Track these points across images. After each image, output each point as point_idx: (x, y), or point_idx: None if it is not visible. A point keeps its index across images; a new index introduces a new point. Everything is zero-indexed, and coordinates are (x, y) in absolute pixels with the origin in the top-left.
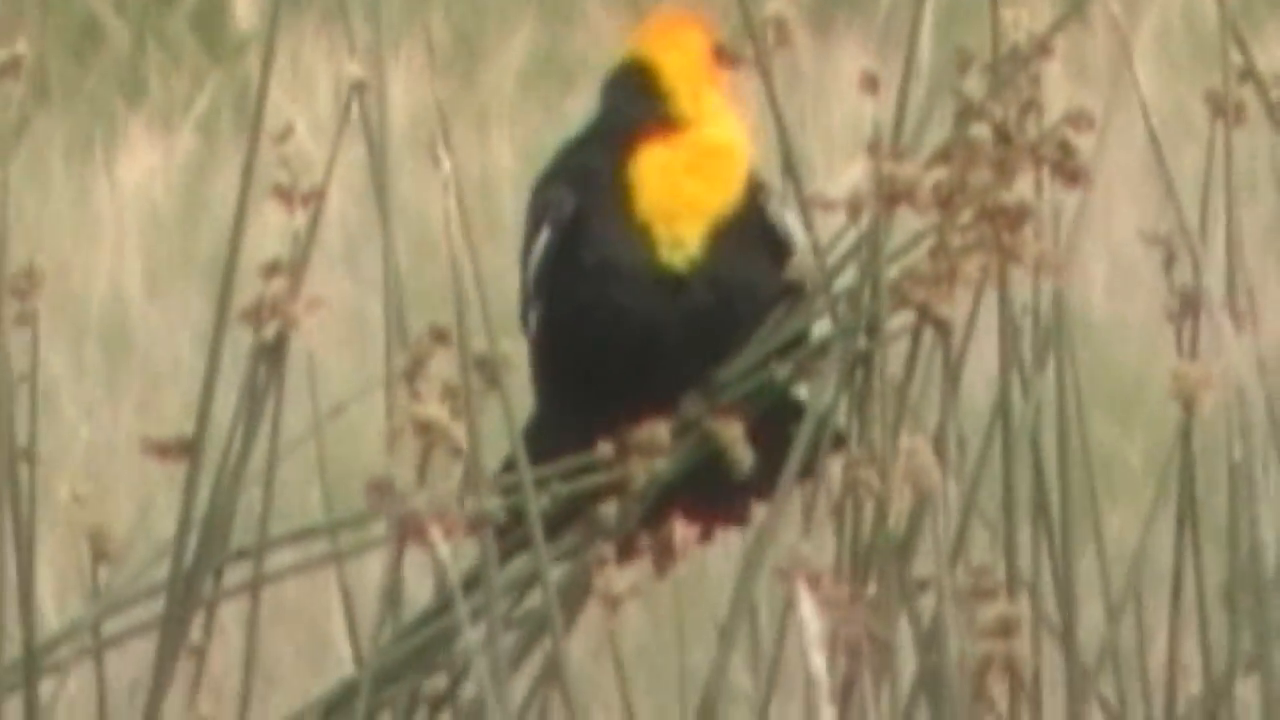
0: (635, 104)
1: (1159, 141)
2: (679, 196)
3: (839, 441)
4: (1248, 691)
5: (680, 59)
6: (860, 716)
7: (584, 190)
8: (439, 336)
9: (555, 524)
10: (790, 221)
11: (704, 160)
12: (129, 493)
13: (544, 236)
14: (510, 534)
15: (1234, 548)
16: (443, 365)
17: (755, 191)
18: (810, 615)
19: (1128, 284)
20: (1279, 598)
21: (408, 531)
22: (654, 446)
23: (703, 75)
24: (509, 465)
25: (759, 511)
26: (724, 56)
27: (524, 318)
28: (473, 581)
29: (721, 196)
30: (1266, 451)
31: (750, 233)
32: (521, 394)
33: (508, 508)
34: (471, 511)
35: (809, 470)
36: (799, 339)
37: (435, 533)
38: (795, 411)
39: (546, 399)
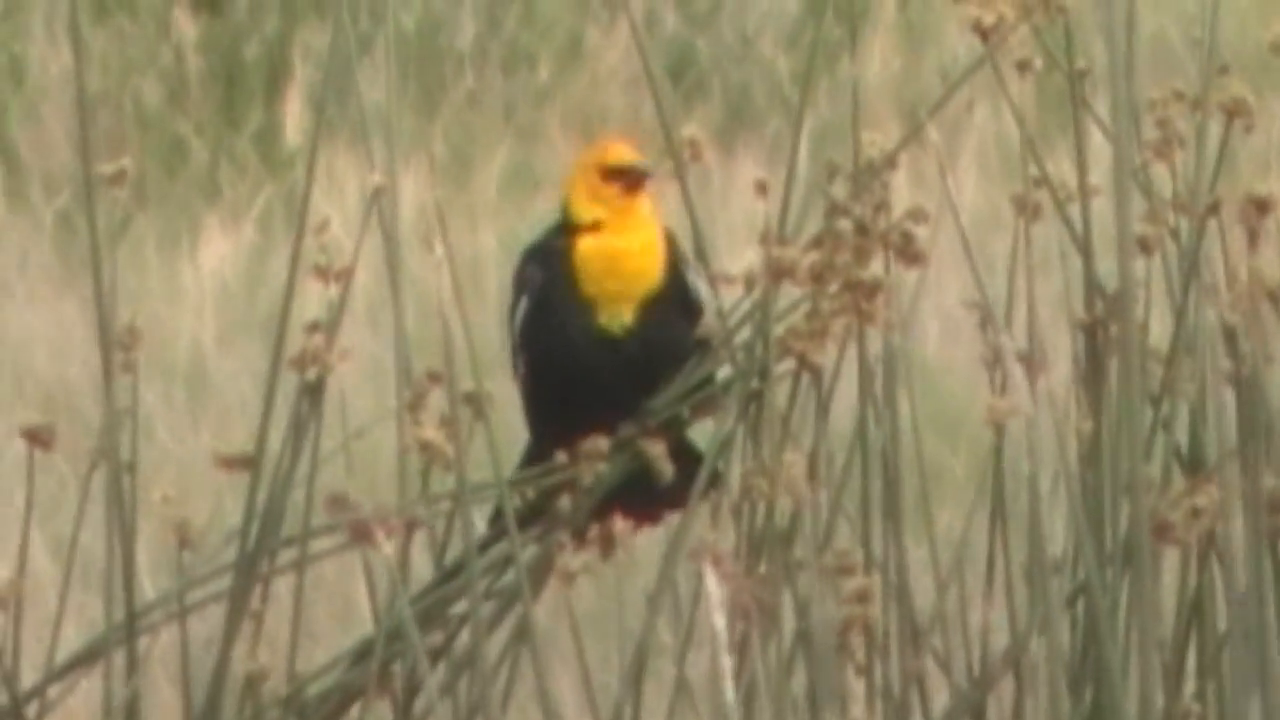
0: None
1: (976, 231)
2: (607, 283)
3: (715, 480)
4: (1040, 646)
5: (584, 182)
6: (751, 664)
7: (548, 272)
8: (434, 378)
9: (527, 518)
10: (701, 287)
11: (615, 255)
12: (205, 496)
13: (523, 304)
14: (525, 524)
15: (1030, 537)
16: (442, 401)
17: (677, 265)
18: (714, 587)
19: (953, 338)
20: (1057, 576)
21: (359, 534)
22: (595, 454)
23: (592, 189)
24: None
25: (678, 509)
26: (620, 174)
27: (514, 364)
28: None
29: (641, 280)
30: (1045, 463)
31: (670, 301)
32: (501, 422)
33: (495, 510)
34: (408, 517)
35: (714, 481)
36: (707, 380)
37: (379, 535)
38: (694, 451)
39: (533, 425)
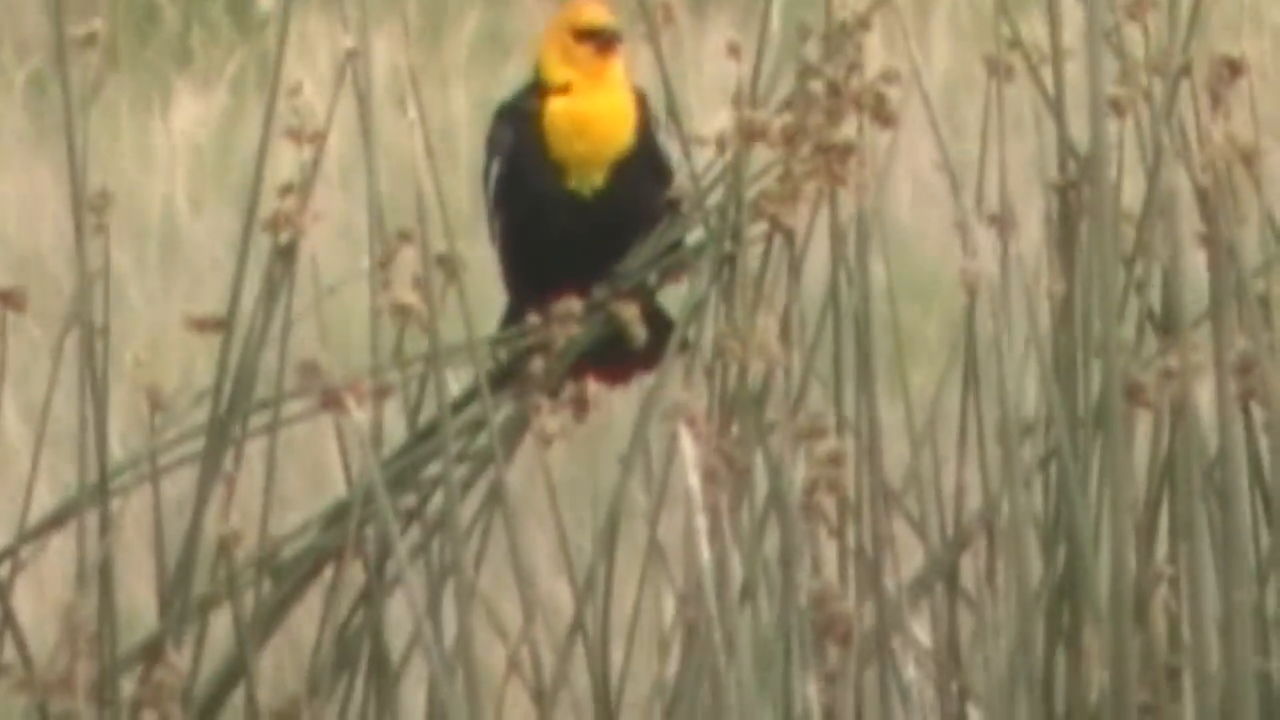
0: (535, 80)
1: (949, 93)
2: (576, 146)
3: (686, 343)
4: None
5: (556, 43)
6: (724, 526)
7: (518, 133)
8: (404, 236)
9: (500, 379)
10: (673, 150)
11: (585, 118)
12: (178, 358)
13: (495, 166)
14: (500, 386)
15: (1001, 400)
16: (415, 264)
17: (649, 127)
18: (689, 448)
19: (926, 201)
20: (1030, 438)
21: (329, 400)
22: (568, 316)
23: (565, 52)
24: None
25: (651, 370)
26: (592, 35)
27: (489, 226)
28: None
29: (611, 143)
30: (1017, 326)
31: (641, 164)
32: (475, 284)
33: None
34: (376, 384)
35: (685, 344)
36: (679, 243)
37: (349, 401)
38: (665, 316)
39: (510, 286)
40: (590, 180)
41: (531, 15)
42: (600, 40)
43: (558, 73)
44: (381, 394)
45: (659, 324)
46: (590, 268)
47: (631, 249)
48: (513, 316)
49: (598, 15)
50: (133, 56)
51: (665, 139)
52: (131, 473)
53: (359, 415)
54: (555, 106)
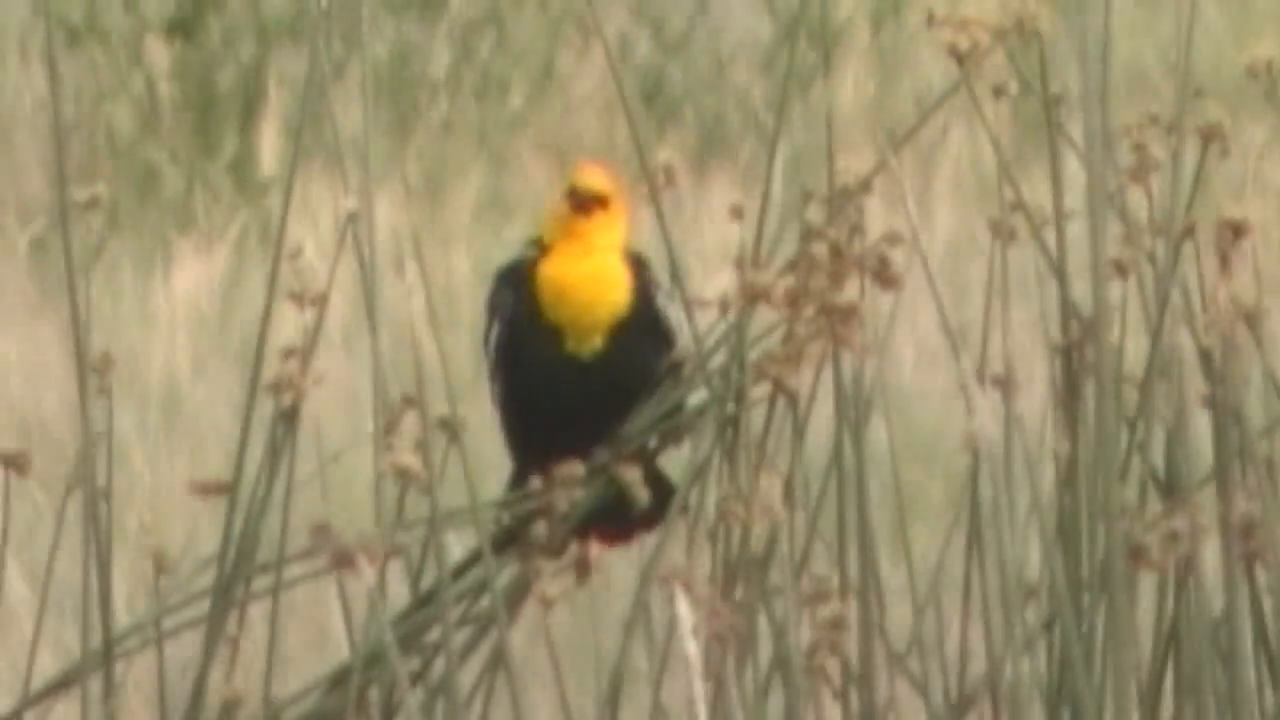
0: (531, 245)
1: (952, 256)
2: (565, 310)
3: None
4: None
5: (553, 203)
6: (728, 690)
7: (517, 296)
8: (408, 401)
9: (503, 542)
10: (673, 312)
11: (580, 282)
12: (181, 522)
13: (495, 329)
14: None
15: (1004, 563)
16: (417, 427)
17: (648, 289)
18: (686, 612)
19: (930, 363)
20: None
21: (341, 561)
22: (570, 480)
23: (559, 213)
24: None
25: (651, 531)
26: (572, 196)
27: (491, 388)
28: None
29: (601, 307)
30: (1020, 488)
31: (640, 327)
32: (477, 447)
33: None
34: (390, 544)
35: (684, 507)
36: (680, 406)
37: (362, 562)
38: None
39: (512, 450)
40: (588, 343)
41: (533, 178)
42: (576, 201)
43: (549, 232)
44: (394, 555)
45: (660, 486)
46: (591, 430)
47: (633, 411)
48: (517, 480)
49: (586, 177)
50: (135, 218)
51: (666, 302)
52: (136, 637)
53: (370, 577)
54: (545, 270)
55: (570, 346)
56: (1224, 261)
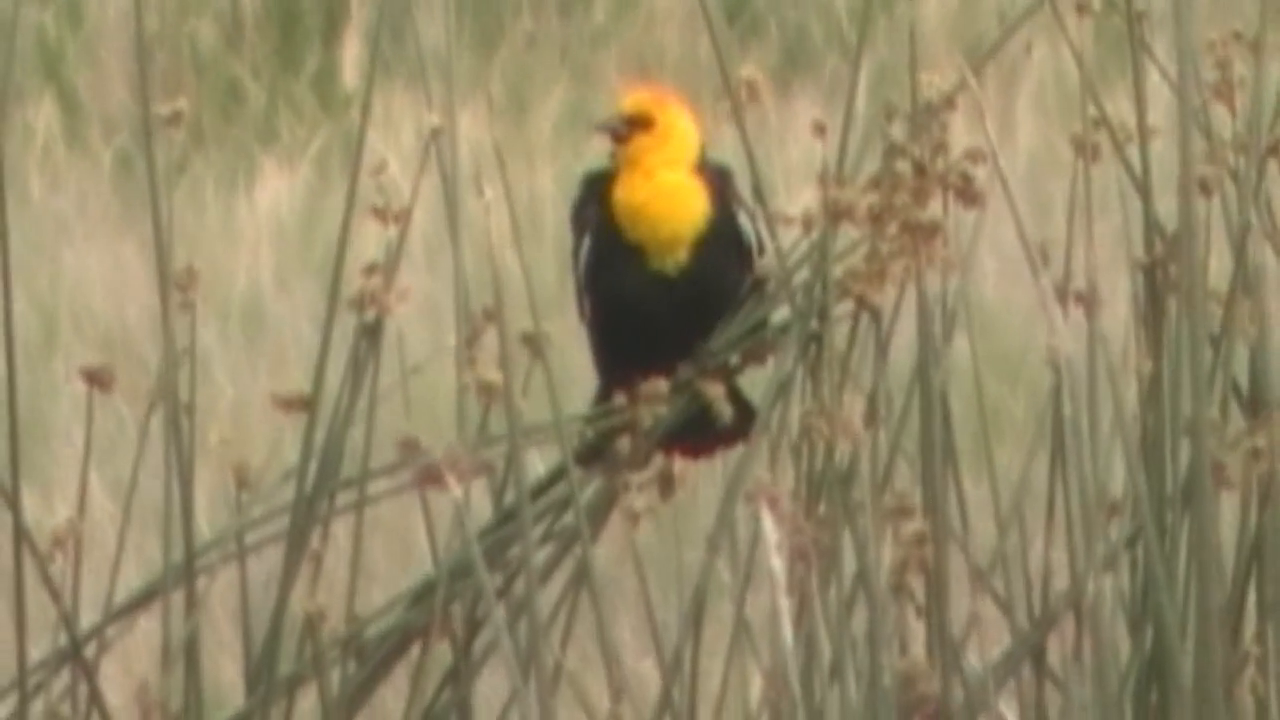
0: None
1: (1035, 172)
2: (642, 229)
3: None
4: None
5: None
6: (811, 606)
7: (598, 215)
8: (489, 316)
9: (588, 457)
10: (755, 229)
11: (661, 199)
12: (263, 436)
13: (586, 244)
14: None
15: (1088, 479)
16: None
17: (729, 205)
18: (771, 529)
19: (1012, 279)
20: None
21: (429, 478)
22: (655, 397)
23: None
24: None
25: (734, 446)
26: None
27: (580, 305)
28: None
29: (678, 223)
30: (1103, 405)
31: (723, 242)
32: (561, 362)
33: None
34: (478, 461)
35: (768, 423)
36: (763, 323)
37: (450, 479)
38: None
39: (600, 365)
40: (672, 258)
41: (616, 93)
42: (610, 129)
43: (614, 160)
44: (483, 472)
45: (742, 404)
46: (677, 345)
47: (717, 326)
48: (601, 396)
49: (622, 102)
50: (218, 134)
51: (745, 218)
52: (217, 551)
53: (458, 491)
54: (616, 193)
55: (654, 264)
56: None
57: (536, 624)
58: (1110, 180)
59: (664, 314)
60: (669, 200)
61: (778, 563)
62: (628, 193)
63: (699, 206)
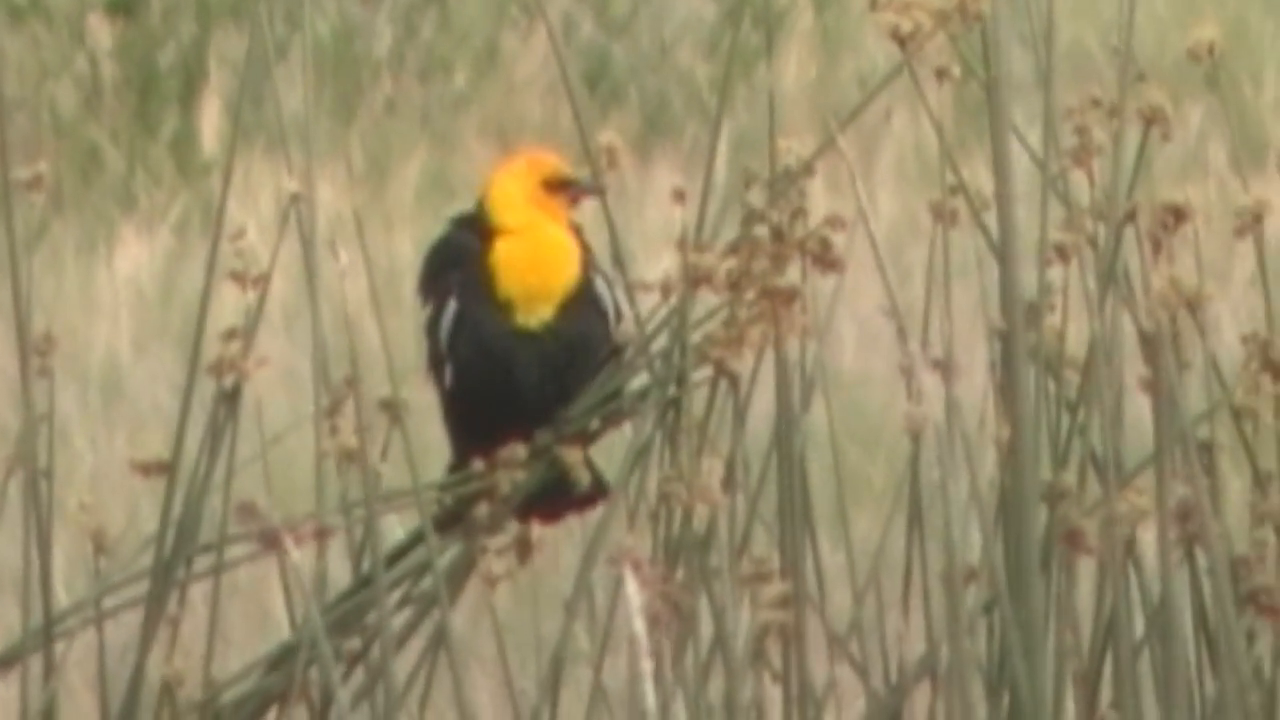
0: (476, 219)
1: (894, 239)
2: (529, 280)
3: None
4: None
5: (510, 188)
6: (669, 671)
7: (464, 273)
8: (350, 384)
9: (446, 523)
10: (614, 296)
11: (537, 255)
12: (122, 502)
13: (450, 307)
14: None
15: (945, 545)
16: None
17: (590, 273)
18: (634, 592)
19: (871, 346)
20: (974, 584)
21: (268, 542)
22: (513, 462)
23: (530, 198)
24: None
25: (590, 509)
26: (566, 187)
27: (433, 372)
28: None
29: (560, 278)
30: (961, 471)
31: (586, 300)
32: (419, 429)
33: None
34: (317, 525)
35: (626, 488)
36: (621, 389)
37: (288, 542)
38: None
39: (455, 433)
40: (539, 315)
41: (476, 159)
42: (575, 192)
43: (513, 216)
44: (323, 536)
45: (594, 471)
46: (539, 408)
47: (579, 390)
48: (458, 463)
49: (564, 167)
50: (77, 199)
51: (602, 285)
52: (76, 616)
53: (299, 557)
54: (507, 245)
55: (520, 320)
56: (1155, 246)
57: (392, 689)
58: (969, 248)
59: (530, 369)
60: (559, 254)
61: (640, 626)
62: (523, 245)
63: (576, 265)
